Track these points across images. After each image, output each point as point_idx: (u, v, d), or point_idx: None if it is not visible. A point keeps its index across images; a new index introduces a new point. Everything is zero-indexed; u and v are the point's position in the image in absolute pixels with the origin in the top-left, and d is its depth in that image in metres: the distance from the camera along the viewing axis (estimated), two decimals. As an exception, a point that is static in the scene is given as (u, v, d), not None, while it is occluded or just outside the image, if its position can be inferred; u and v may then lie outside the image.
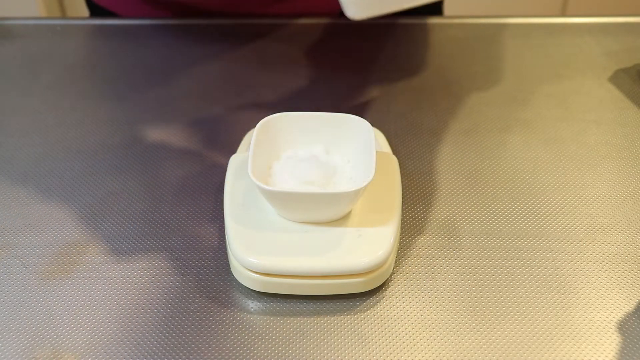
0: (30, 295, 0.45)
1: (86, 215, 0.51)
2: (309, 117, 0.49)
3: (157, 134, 0.60)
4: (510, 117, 0.62)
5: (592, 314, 0.44)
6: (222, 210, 0.49)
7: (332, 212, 0.45)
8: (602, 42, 0.72)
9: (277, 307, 0.45)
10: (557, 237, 0.49)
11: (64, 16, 1.84)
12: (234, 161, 0.51)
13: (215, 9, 0.76)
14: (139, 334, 0.43)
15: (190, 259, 0.48)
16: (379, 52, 0.71)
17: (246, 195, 0.48)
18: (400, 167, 0.52)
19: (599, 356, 0.42)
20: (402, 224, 0.50)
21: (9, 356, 0.42)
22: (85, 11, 0.85)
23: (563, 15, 1.73)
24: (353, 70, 0.68)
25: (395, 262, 0.47)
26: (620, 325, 0.43)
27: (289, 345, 0.42)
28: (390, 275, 0.46)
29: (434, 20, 0.77)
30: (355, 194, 0.43)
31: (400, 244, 0.49)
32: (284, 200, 0.44)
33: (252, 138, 0.47)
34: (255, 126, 0.48)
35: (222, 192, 0.49)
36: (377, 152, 0.45)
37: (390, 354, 0.42)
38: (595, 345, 0.42)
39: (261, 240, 0.45)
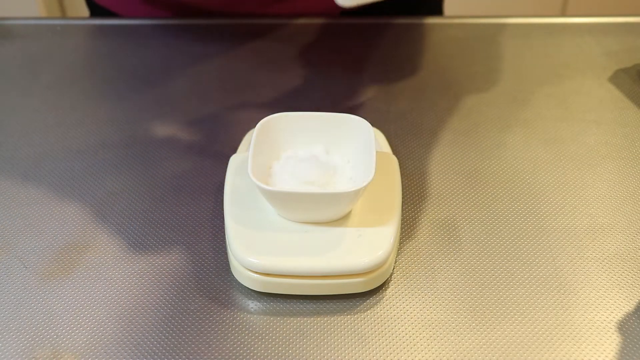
0: (30, 295, 0.45)
1: (86, 215, 0.51)
2: (309, 117, 0.49)
3: (157, 133, 0.60)
4: (510, 117, 0.62)
5: (592, 314, 0.44)
6: (222, 210, 0.49)
7: (332, 212, 0.45)
8: (602, 42, 0.72)
9: (277, 307, 0.45)
10: (557, 237, 0.49)
11: (64, 16, 1.84)
12: (234, 161, 0.51)
13: (215, 9, 0.76)
14: (139, 334, 0.43)
15: (190, 259, 0.48)
16: (379, 52, 0.71)
17: (246, 195, 0.48)
18: (400, 167, 0.52)
19: (599, 356, 0.42)
20: (402, 224, 0.50)
21: (9, 356, 0.42)
22: (85, 11, 0.85)
23: (563, 15, 1.73)
24: (353, 70, 0.68)
25: (395, 262, 0.47)
26: (620, 325, 0.43)
27: (289, 345, 0.42)
28: (390, 275, 0.46)
29: (434, 20, 0.77)
30: (355, 194, 0.43)
31: (400, 244, 0.49)
32: (284, 200, 0.44)
33: (252, 138, 0.47)
34: (255, 126, 0.48)
35: (222, 192, 0.49)
36: (377, 152, 0.45)
37: (390, 354, 0.42)
38: (595, 345, 0.42)
39: (261, 240, 0.45)
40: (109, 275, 0.47)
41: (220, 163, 0.56)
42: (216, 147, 0.58)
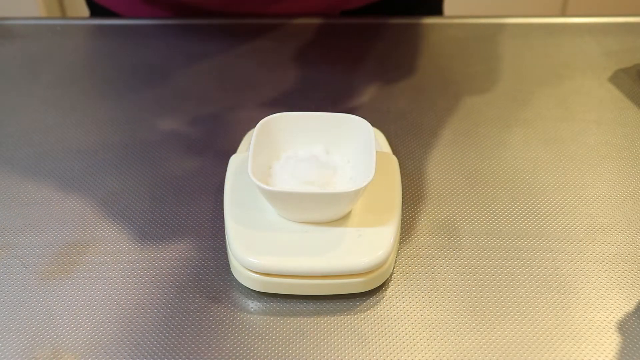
0: (30, 295, 0.45)
1: (86, 215, 0.51)
2: (309, 117, 0.49)
3: (157, 133, 0.60)
4: (510, 117, 0.62)
5: (592, 314, 0.44)
6: (222, 210, 0.49)
7: (332, 212, 0.45)
8: (602, 42, 0.72)
9: (277, 307, 0.45)
10: (557, 237, 0.49)
11: (64, 16, 1.84)
12: (234, 161, 0.51)
13: (215, 9, 0.76)
14: (139, 334, 0.43)
15: (190, 259, 0.48)
16: (379, 52, 0.71)
17: (246, 195, 0.48)
18: (400, 167, 0.52)
19: (599, 356, 0.42)
20: (402, 224, 0.50)
21: (9, 356, 0.42)
22: (85, 11, 0.85)
23: (563, 15, 1.73)
24: (353, 70, 0.68)
25: (395, 262, 0.47)
26: (620, 325, 0.43)
27: (288, 345, 0.42)
28: (390, 275, 0.46)
29: (433, 20, 0.77)
30: (355, 194, 0.43)
31: (400, 244, 0.49)
32: (284, 200, 0.44)
33: (252, 138, 0.47)
34: (255, 126, 0.48)
35: (222, 192, 0.49)
36: (377, 152, 0.45)
37: (390, 354, 0.42)
38: (595, 345, 0.42)
39: (261, 240, 0.45)
40: (109, 275, 0.47)
41: (220, 163, 0.56)
42: (216, 147, 0.58)
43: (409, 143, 0.59)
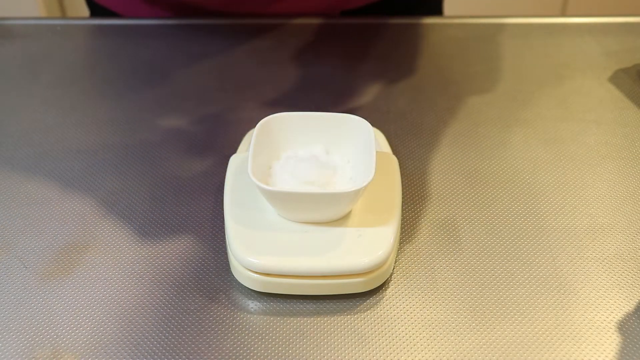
0: (30, 295, 0.45)
1: (86, 215, 0.51)
2: (309, 117, 0.49)
3: (157, 133, 0.60)
4: (510, 117, 0.62)
5: (592, 314, 0.44)
6: (222, 210, 0.49)
7: (332, 212, 0.45)
8: (602, 42, 0.72)
9: (277, 307, 0.45)
10: (557, 237, 0.49)
11: (64, 16, 1.84)
12: (234, 161, 0.51)
13: (215, 9, 0.76)
14: (139, 334, 0.43)
15: (190, 259, 0.48)
16: (379, 52, 0.71)
17: (246, 195, 0.48)
18: (400, 167, 0.52)
19: (599, 356, 0.42)
20: (402, 224, 0.50)
21: (9, 356, 0.42)
22: (85, 11, 0.85)
23: (563, 15, 1.73)
24: (353, 70, 0.68)
25: (395, 262, 0.47)
26: (620, 325, 0.43)
27: (288, 345, 0.42)
28: (390, 275, 0.46)
29: (433, 20, 0.77)
30: (355, 194, 0.43)
31: (400, 244, 0.49)
32: (284, 200, 0.44)
33: (252, 138, 0.47)
34: (255, 126, 0.48)
35: (222, 192, 0.49)
36: (377, 152, 0.45)
37: (390, 354, 0.42)
38: (595, 345, 0.42)
39: (261, 240, 0.45)
40: (109, 275, 0.47)
41: (220, 163, 0.56)
42: (216, 147, 0.58)
43: (409, 143, 0.59)
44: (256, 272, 0.44)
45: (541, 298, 0.45)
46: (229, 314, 0.44)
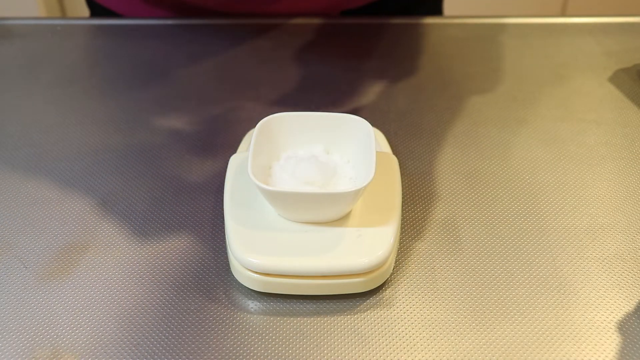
0: (30, 295, 0.45)
1: (86, 215, 0.51)
2: (308, 117, 0.49)
3: (157, 134, 0.60)
4: (510, 117, 0.62)
5: (592, 314, 0.44)
6: (222, 210, 0.49)
7: (332, 212, 0.45)
8: (602, 42, 0.72)
9: (276, 307, 0.45)
10: (557, 237, 0.49)
11: (64, 16, 1.84)
12: (234, 161, 0.51)
13: (215, 8, 0.76)
14: (138, 334, 0.43)
15: (190, 259, 0.48)
16: (379, 51, 0.71)
17: (246, 195, 0.48)
18: (400, 167, 0.52)
19: (599, 356, 0.42)
20: (402, 224, 0.50)
21: (9, 356, 0.42)
22: (85, 11, 0.85)
23: (563, 15, 1.73)
24: (353, 69, 0.68)
25: (395, 262, 0.47)
26: (620, 325, 0.43)
27: (288, 345, 0.42)
28: (390, 275, 0.46)
29: (433, 20, 0.77)
30: (355, 194, 0.43)
31: (400, 244, 0.49)
32: (284, 200, 0.44)
33: (252, 138, 0.47)
34: (255, 126, 0.48)
35: (222, 192, 0.49)
36: (377, 152, 0.45)
37: (390, 354, 0.42)
38: (595, 345, 0.42)
39: (261, 240, 0.45)
40: (109, 275, 0.47)
41: (220, 163, 0.56)
42: (216, 147, 0.58)
43: (409, 143, 0.59)
44: (256, 272, 0.44)
45: (541, 298, 0.45)
46: (229, 314, 0.44)
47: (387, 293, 0.46)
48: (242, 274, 0.45)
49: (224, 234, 0.48)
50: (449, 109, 0.63)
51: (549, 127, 0.60)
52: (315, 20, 0.75)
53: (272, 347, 0.42)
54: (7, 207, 0.52)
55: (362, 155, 0.47)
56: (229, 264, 0.47)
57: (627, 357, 0.41)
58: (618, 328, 0.43)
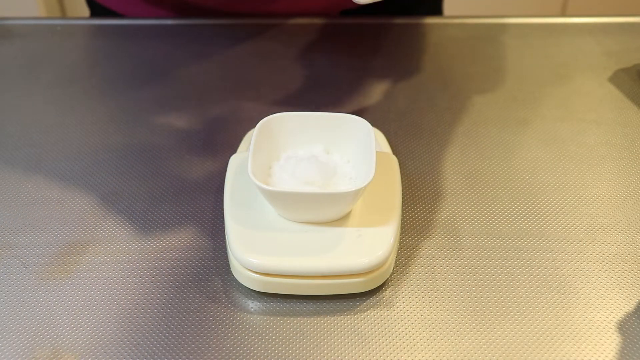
0: (30, 295, 0.45)
1: (86, 215, 0.51)
2: (308, 117, 0.49)
3: (157, 134, 0.60)
4: (510, 117, 0.62)
5: (592, 314, 0.44)
6: (222, 210, 0.49)
7: (332, 212, 0.45)
8: (602, 42, 0.72)
9: (276, 307, 0.45)
10: (557, 237, 0.49)
11: (64, 16, 1.84)
12: (234, 161, 0.51)
13: (215, 8, 0.76)
14: (138, 334, 0.43)
15: (190, 258, 0.48)
16: (379, 51, 0.71)
17: (246, 195, 0.48)
18: (400, 167, 0.52)
19: (599, 356, 0.42)
20: (402, 224, 0.50)
21: (9, 356, 0.42)
22: (85, 11, 0.85)
23: (563, 15, 1.73)
24: (353, 70, 0.68)
25: (395, 262, 0.47)
26: (620, 325, 0.43)
27: (288, 345, 0.42)
28: (390, 275, 0.46)
29: (434, 20, 0.77)
30: (355, 194, 0.43)
31: (400, 244, 0.49)
32: (284, 200, 0.44)
33: (252, 138, 0.47)
34: (255, 126, 0.48)
35: (222, 192, 0.49)
36: (377, 152, 0.45)
37: (390, 354, 0.42)
38: (595, 345, 0.42)
39: (261, 240, 0.45)
40: (109, 275, 0.47)
41: (220, 163, 0.56)
42: (216, 147, 0.58)
43: (409, 143, 0.59)
44: (256, 272, 0.44)
45: (541, 298, 0.45)
46: (229, 314, 0.44)
47: (387, 293, 0.46)
48: (242, 274, 0.45)
49: (224, 234, 0.48)
50: (449, 109, 0.63)
51: (549, 127, 0.60)
52: (315, 21, 0.75)
53: (272, 347, 0.42)
54: (7, 207, 0.52)
55: (362, 155, 0.47)
56: (229, 264, 0.47)
57: (627, 357, 0.41)
58: (618, 328, 0.43)
